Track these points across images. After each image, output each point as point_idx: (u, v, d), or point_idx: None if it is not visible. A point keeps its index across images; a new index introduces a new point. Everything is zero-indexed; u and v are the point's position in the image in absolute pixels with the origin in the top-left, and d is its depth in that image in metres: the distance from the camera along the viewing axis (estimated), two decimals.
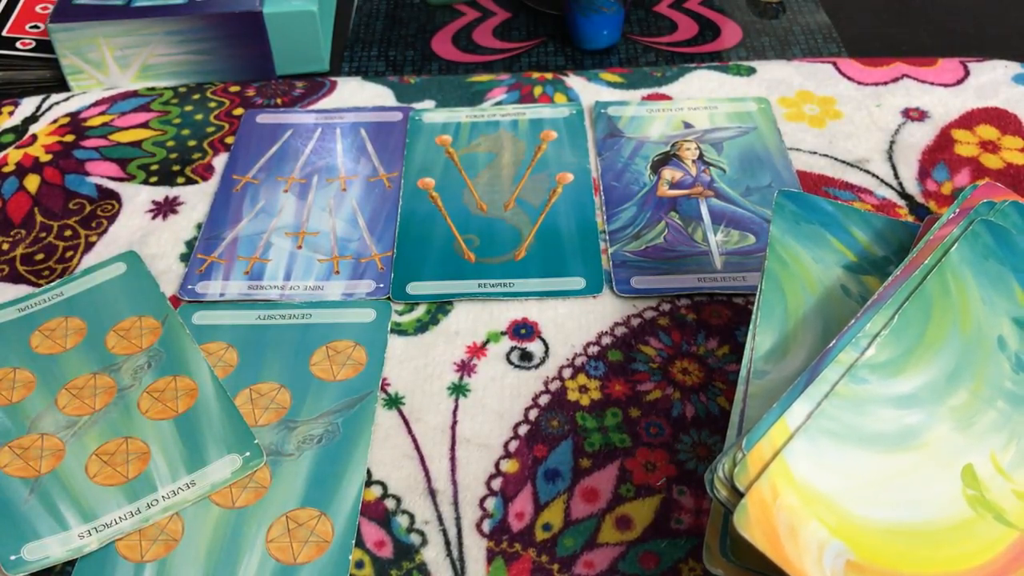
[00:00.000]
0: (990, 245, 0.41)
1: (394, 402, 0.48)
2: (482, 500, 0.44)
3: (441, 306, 0.53)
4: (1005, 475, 0.35)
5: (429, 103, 0.67)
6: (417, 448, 0.46)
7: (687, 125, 0.63)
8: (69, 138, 0.64)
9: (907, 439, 0.36)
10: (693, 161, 0.60)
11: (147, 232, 0.58)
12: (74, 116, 0.66)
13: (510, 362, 0.50)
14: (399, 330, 0.51)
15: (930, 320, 0.39)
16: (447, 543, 0.42)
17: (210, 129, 0.65)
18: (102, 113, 0.66)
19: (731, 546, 0.36)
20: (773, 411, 0.36)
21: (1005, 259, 0.41)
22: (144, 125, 0.65)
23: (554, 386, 0.48)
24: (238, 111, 0.66)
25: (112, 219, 0.59)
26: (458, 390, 0.49)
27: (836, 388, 0.36)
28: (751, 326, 0.42)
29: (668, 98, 0.66)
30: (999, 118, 0.64)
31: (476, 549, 0.42)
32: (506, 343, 0.51)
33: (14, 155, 0.63)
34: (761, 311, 0.43)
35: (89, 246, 0.57)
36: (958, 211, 0.43)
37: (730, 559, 0.36)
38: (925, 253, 0.41)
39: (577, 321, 0.51)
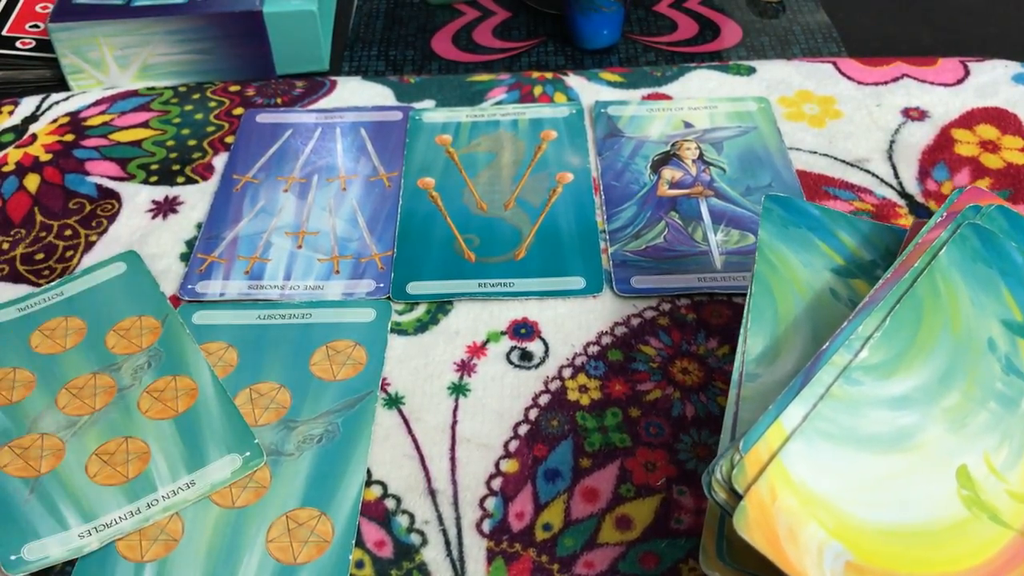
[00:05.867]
0: (978, 248, 0.42)
1: (394, 402, 0.48)
2: (482, 500, 0.44)
3: (441, 306, 0.53)
4: (999, 475, 0.36)
5: (429, 103, 0.67)
6: (417, 448, 0.46)
7: (687, 125, 0.63)
8: (69, 138, 0.64)
9: (902, 440, 0.36)
10: (693, 161, 0.60)
11: (147, 232, 0.58)
12: (74, 116, 0.66)
13: (510, 362, 0.50)
14: (399, 330, 0.51)
15: (921, 322, 0.39)
16: (447, 543, 0.43)
17: (210, 129, 0.65)
18: (102, 113, 0.66)
19: (727, 549, 0.36)
20: (769, 413, 0.36)
21: (992, 262, 0.41)
22: (144, 125, 0.65)
23: (554, 386, 0.49)
24: (238, 111, 0.66)
25: (112, 219, 0.59)
26: (458, 390, 0.49)
27: (831, 390, 0.36)
28: (742, 329, 0.42)
29: (668, 98, 0.66)
30: (999, 118, 0.63)
31: (476, 549, 0.42)
32: (506, 343, 0.51)
33: (14, 154, 0.63)
34: (751, 315, 0.43)
35: (89, 246, 0.57)
36: (945, 215, 0.43)
37: (726, 562, 0.36)
38: (914, 256, 0.41)
39: (577, 321, 0.52)
